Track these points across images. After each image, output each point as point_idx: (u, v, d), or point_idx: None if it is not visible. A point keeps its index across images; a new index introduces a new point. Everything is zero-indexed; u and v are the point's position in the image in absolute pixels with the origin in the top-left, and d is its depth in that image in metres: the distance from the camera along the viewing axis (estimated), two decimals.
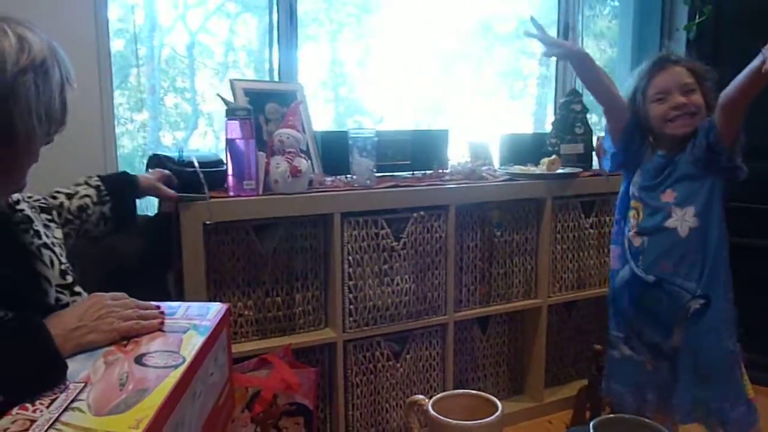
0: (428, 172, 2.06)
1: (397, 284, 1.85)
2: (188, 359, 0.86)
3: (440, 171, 2.05)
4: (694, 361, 1.53)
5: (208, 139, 2.37)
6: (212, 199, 1.57)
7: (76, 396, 0.78)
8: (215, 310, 1.01)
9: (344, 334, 1.79)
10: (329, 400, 1.85)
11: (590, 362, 2.05)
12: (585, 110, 2.24)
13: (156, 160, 1.65)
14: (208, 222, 1.57)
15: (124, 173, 1.47)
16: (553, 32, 2.78)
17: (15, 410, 0.74)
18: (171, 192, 1.52)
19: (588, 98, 2.29)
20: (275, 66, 2.18)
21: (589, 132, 2.26)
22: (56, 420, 0.75)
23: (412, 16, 2.55)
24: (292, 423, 1.63)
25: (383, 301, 1.84)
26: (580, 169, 2.16)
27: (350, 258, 1.77)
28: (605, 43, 3.15)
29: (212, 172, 1.64)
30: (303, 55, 2.26)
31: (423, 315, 1.91)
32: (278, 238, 1.72)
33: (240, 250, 1.67)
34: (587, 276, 2.21)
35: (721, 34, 2.51)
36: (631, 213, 1.62)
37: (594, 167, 2.28)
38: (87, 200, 1.33)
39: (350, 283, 1.78)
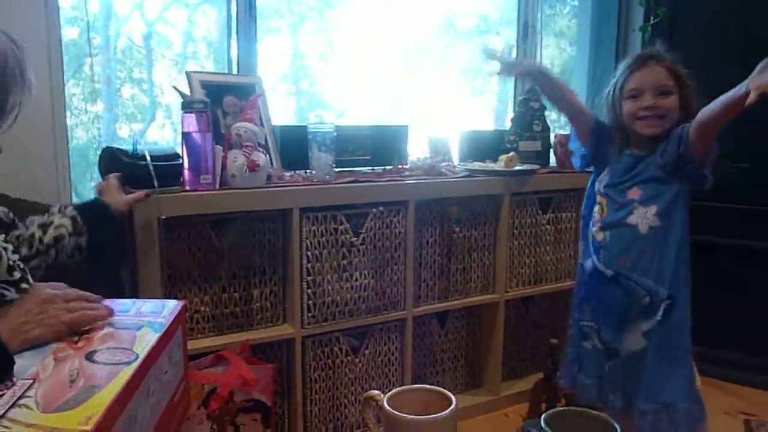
0: (388, 167, 2.06)
1: (356, 279, 1.85)
2: (141, 356, 0.85)
3: (400, 167, 2.05)
4: (659, 360, 1.55)
5: (166, 132, 2.32)
6: (165, 194, 1.54)
7: (23, 393, 0.75)
8: (170, 307, 1.00)
9: (303, 330, 1.78)
10: (287, 396, 1.84)
11: (546, 356, 2.09)
12: (543, 108, 2.27)
13: (109, 153, 1.61)
14: (163, 217, 1.54)
15: (100, 201, 1.41)
16: (513, 31, 2.82)
17: None
18: (141, 194, 1.49)
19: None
20: (234, 58, 2.14)
21: (546, 129, 2.29)
22: (1, 417, 0.73)
23: (374, 10, 2.54)
24: (249, 419, 1.62)
25: (342, 297, 1.83)
26: (538, 166, 2.19)
27: (309, 253, 1.76)
28: (565, 41, 3.20)
29: (167, 165, 1.60)
30: (264, 48, 2.24)
31: (382, 310, 1.91)
32: (236, 234, 1.70)
33: (197, 246, 1.65)
34: (544, 271, 2.24)
35: (675, 36, 2.57)
36: (596, 208, 1.64)
37: (551, 164, 2.32)
38: (62, 230, 1.30)
39: (309, 278, 1.77)
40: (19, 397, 0.75)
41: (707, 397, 2.32)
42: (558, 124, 2.92)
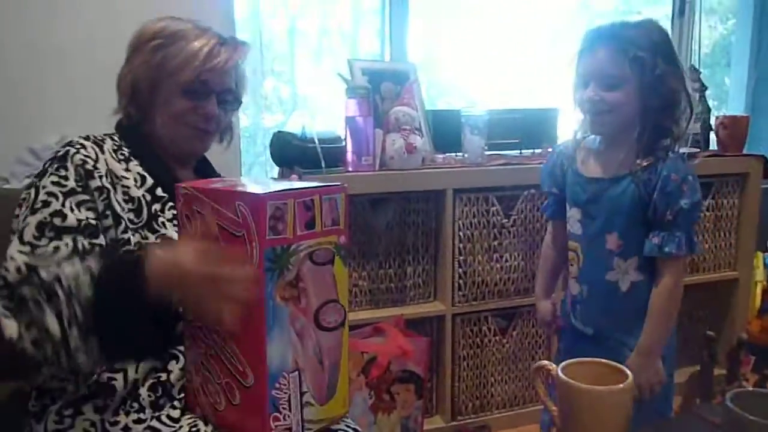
0: (537, 151, 2.06)
1: (506, 261, 1.88)
2: (345, 306, 0.87)
3: (550, 150, 2.03)
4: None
5: (304, 122, 2.40)
6: (330, 174, 1.65)
7: (302, 390, 0.82)
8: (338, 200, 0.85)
9: (453, 308, 1.84)
10: (436, 371, 1.91)
11: (702, 348, 2.00)
12: (704, 88, 2.15)
13: (281, 137, 1.75)
14: None
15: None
16: (668, 9, 2.68)
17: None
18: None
19: (705, 75, 2.20)
20: (386, 45, 2.22)
21: (707, 111, 2.17)
22: (303, 421, 0.83)
23: None
24: (403, 389, 1.70)
25: (492, 277, 1.87)
26: (698, 150, 2.08)
27: (461, 234, 1.81)
28: (715, 18, 2.99)
29: (332, 148, 1.71)
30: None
31: (531, 292, 1.92)
32: (391, 213, 1.78)
33: (356, 224, 1.75)
34: (700, 260, 2.14)
35: None
36: (570, 254, 1.39)
37: (712, 148, 2.20)
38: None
39: (460, 258, 1.82)
40: (302, 395, 0.82)
41: None
42: (720, 104, 2.75)
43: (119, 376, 0.90)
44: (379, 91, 1.88)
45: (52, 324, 0.77)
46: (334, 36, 2.38)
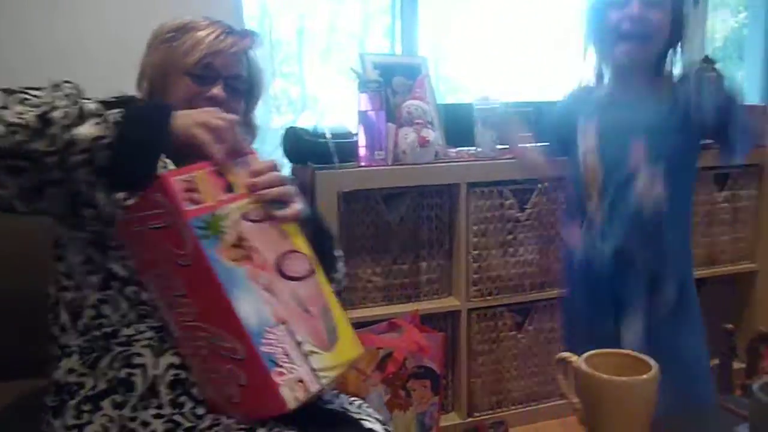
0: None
1: (521, 255, 1.86)
2: (309, 255, 0.89)
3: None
4: None
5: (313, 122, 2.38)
6: (343, 168, 1.64)
7: (297, 341, 0.82)
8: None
9: (468, 303, 1.83)
10: (452, 367, 1.90)
11: (721, 342, 1.97)
12: (721, 77, 2.12)
13: (293, 132, 1.74)
14: (342, 191, 1.64)
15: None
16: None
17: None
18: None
19: (721, 66, 2.17)
20: (397, 41, 2.21)
21: None
22: (313, 370, 0.81)
23: None
24: (419, 385, 1.69)
25: (507, 272, 1.85)
26: (713, 141, 2.05)
27: (475, 228, 1.80)
28: (726, 11, 2.96)
29: (345, 143, 1.70)
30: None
31: (546, 287, 1.90)
32: (405, 208, 1.77)
33: (370, 219, 1.74)
34: (718, 252, 2.11)
35: None
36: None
37: None
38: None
39: (474, 252, 1.81)
40: (299, 345, 0.81)
41: None
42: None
43: (138, 371, 0.89)
44: (391, 85, 1.86)
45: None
46: (342, 36, 2.37)
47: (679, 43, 1.24)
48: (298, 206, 0.92)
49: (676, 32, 1.22)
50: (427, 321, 1.81)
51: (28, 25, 1.64)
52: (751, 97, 2.75)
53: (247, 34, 1.10)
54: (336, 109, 2.29)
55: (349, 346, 0.88)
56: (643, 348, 1.16)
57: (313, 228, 0.97)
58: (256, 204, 0.86)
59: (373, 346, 1.60)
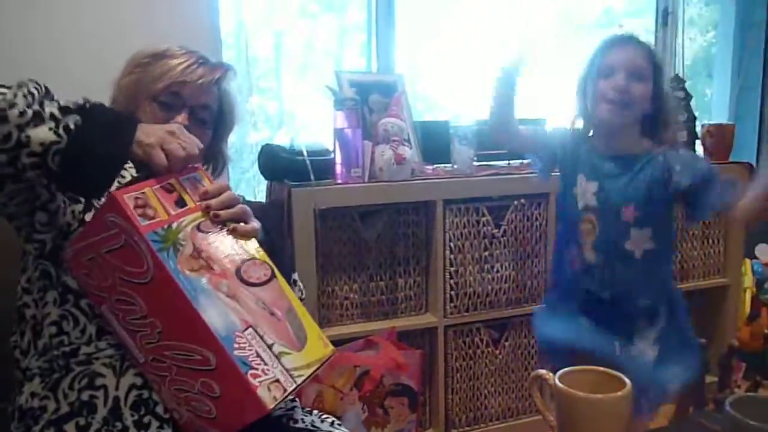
0: (526, 161, 2.06)
1: (497, 271, 1.87)
2: (267, 262, 0.91)
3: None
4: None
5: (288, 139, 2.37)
6: (319, 186, 1.64)
7: (267, 343, 0.82)
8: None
9: (445, 320, 1.83)
10: (429, 384, 1.89)
11: None
12: (689, 97, 2.17)
13: (269, 149, 1.74)
14: (319, 208, 1.63)
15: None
16: (648, 22, 2.71)
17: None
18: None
19: (690, 84, 2.23)
20: (373, 58, 2.23)
21: (692, 119, 2.19)
22: (287, 370, 0.81)
23: (484, 7, 2.51)
24: (397, 403, 1.68)
25: (483, 288, 1.86)
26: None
27: (451, 245, 1.80)
28: (695, 31, 3.04)
29: (321, 160, 1.70)
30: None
31: (522, 302, 1.92)
32: (381, 225, 1.77)
33: (346, 236, 1.74)
34: (690, 268, 2.15)
35: None
36: (583, 225, 1.46)
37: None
38: None
39: (451, 269, 1.81)
40: (270, 347, 0.82)
41: None
42: (702, 114, 2.78)
43: (100, 393, 0.87)
44: (368, 102, 1.87)
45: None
46: (319, 53, 2.38)
47: (661, 113, 1.40)
48: (255, 223, 0.94)
49: (656, 103, 1.38)
50: (404, 338, 1.81)
51: (3, 29, 1.61)
52: (719, 114, 2.82)
53: (220, 66, 1.11)
54: (312, 125, 2.29)
55: (320, 345, 0.89)
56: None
57: (269, 250, 0.97)
58: (208, 215, 0.89)
59: (349, 364, 1.59)
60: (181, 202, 0.86)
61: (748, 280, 2.32)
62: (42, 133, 0.78)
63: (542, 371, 1.02)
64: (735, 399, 0.91)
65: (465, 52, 2.49)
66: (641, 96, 1.35)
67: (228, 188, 0.93)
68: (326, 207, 1.65)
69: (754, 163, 2.32)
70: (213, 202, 0.90)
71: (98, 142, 0.81)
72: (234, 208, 0.92)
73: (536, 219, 1.89)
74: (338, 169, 1.70)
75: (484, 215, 1.83)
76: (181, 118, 1.06)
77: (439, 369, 1.85)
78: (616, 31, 1.45)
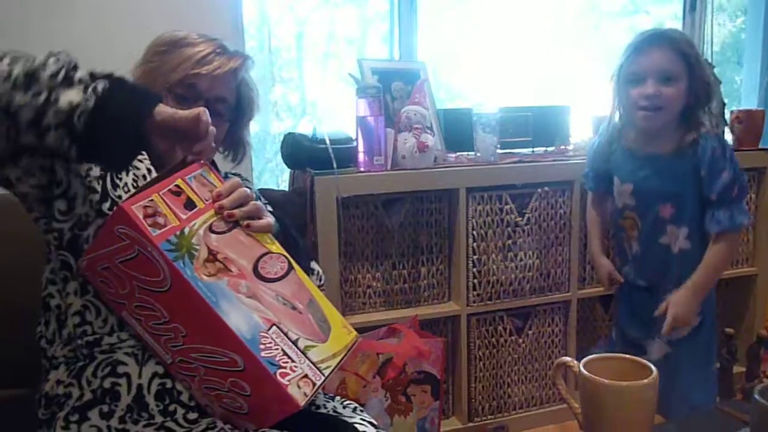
0: (550, 148, 2.04)
1: (521, 260, 1.86)
2: (283, 253, 0.91)
3: (563, 147, 2.02)
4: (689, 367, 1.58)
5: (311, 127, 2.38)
6: (342, 174, 1.64)
7: (292, 339, 0.82)
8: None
9: (468, 308, 1.82)
10: (452, 372, 1.89)
11: (721, 346, 1.97)
12: (718, 82, 2.12)
13: (291, 138, 1.74)
14: (342, 196, 1.64)
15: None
16: (676, 8, 2.65)
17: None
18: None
19: (719, 70, 2.18)
20: (396, 46, 2.21)
21: (722, 105, 2.14)
22: (314, 364, 0.82)
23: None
24: (419, 390, 1.69)
25: (506, 276, 1.85)
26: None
27: (474, 233, 1.80)
28: (724, 16, 2.97)
29: (344, 148, 1.70)
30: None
31: (546, 291, 1.90)
32: (404, 213, 1.77)
33: (369, 224, 1.74)
34: None
35: None
36: (626, 221, 1.59)
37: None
38: None
39: (474, 257, 1.81)
40: (295, 343, 0.82)
41: None
42: (731, 101, 2.72)
43: (123, 381, 0.88)
44: (390, 90, 1.87)
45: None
46: (341, 42, 2.37)
47: (707, 105, 1.44)
48: (269, 218, 0.93)
49: (700, 96, 1.41)
50: (427, 326, 1.81)
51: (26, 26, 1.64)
52: (749, 101, 2.76)
53: (237, 56, 1.09)
54: (335, 114, 2.29)
55: (344, 332, 0.89)
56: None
57: (284, 243, 0.96)
58: (221, 215, 0.88)
59: (372, 352, 1.60)
60: (190, 204, 0.85)
61: None
62: (71, 94, 0.78)
63: (567, 358, 1.01)
64: (763, 388, 0.89)
65: (488, 40, 2.48)
66: (673, 97, 1.38)
67: (239, 185, 0.92)
68: (349, 195, 1.66)
69: None
70: (225, 201, 0.89)
71: (125, 105, 0.81)
72: (247, 205, 0.91)
73: (560, 207, 1.87)
74: (361, 157, 1.70)
75: (507, 203, 1.82)
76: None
77: (462, 357, 1.85)
78: (642, 28, 1.46)
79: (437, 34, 2.40)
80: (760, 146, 2.11)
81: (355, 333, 0.91)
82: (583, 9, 2.67)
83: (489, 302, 1.84)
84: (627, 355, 1.01)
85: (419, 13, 2.21)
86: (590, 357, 1.00)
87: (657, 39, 1.39)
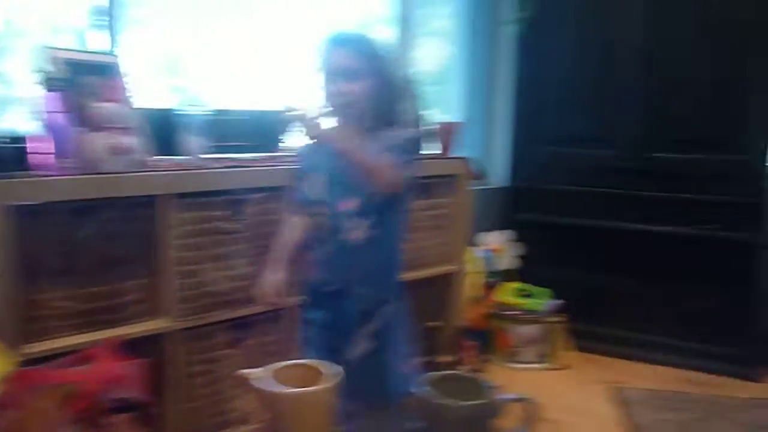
0: (271, 154, 2.01)
1: (235, 268, 1.79)
2: None
3: (283, 152, 2.00)
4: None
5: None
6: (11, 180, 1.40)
7: None
8: None
9: (179, 323, 1.70)
10: (165, 394, 1.74)
11: (424, 340, 2.12)
12: (420, 97, 2.31)
13: None
14: (19, 203, 1.40)
15: None
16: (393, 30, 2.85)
17: None
18: None
19: (437, 91, 2.37)
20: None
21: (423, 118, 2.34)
22: None
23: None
24: (123, 419, 1.51)
25: (220, 287, 1.76)
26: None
27: (183, 242, 1.68)
28: (437, 40, 3.28)
29: (11, 148, 1.46)
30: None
31: None
32: (100, 222, 1.58)
33: (56, 236, 1.51)
34: (421, 257, 2.28)
35: (545, 28, 2.72)
36: (312, 221, 1.55)
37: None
38: None
39: (183, 268, 1.69)
40: None
41: (583, 370, 2.50)
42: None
43: None
44: (82, 84, 1.65)
45: None
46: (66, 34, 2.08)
47: (397, 104, 1.48)
48: None
49: (383, 94, 1.44)
50: (133, 346, 1.63)
51: None
52: (458, 115, 3.07)
53: None
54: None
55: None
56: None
57: None
58: None
59: (54, 383, 1.38)
60: None
61: (471, 266, 2.55)
62: None
63: (244, 371, 0.97)
64: (429, 378, 0.94)
65: (221, 42, 2.39)
66: (358, 93, 1.42)
67: None
68: (25, 203, 1.42)
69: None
70: None
71: None
72: None
73: (277, 213, 1.84)
74: (46, 159, 1.48)
75: (219, 210, 1.73)
76: None
77: (174, 376, 1.71)
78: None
79: (170, 33, 2.27)
80: (453, 155, 2.34)
81: (11, 362, 0.76)
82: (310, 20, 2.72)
83: (203, 315, 1.74)
84: (311, 362, 1.00)
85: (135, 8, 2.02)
86: (276, 365, 0.98)
87: (341, 41, 1.45)
